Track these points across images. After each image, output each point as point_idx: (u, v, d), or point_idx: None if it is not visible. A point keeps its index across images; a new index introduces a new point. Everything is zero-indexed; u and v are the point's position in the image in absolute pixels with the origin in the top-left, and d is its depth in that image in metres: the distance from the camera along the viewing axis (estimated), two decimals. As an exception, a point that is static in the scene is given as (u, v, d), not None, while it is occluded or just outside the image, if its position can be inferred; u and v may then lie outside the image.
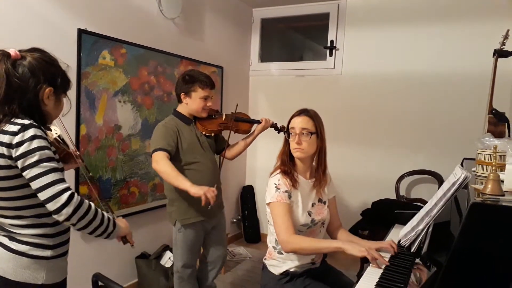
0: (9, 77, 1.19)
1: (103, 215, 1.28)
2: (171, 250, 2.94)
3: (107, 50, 2.58)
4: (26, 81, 1.21)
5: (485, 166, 1.54)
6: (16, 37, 2.09)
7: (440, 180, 3.19)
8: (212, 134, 2.31)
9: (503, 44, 2.32)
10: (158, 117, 3.00)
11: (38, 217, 1.25)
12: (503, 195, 1.17)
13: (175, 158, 2.13)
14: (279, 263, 1.75)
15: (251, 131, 2.46)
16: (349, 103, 3.73)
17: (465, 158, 2.23)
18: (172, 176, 1.99)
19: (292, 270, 1.72)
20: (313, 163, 1.83)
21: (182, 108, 2.25)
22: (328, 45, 3.83)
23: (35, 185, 1.16)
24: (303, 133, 1.72)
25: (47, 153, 1.18)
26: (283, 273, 1.73)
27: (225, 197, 2.45)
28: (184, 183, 1.95)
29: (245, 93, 4.24)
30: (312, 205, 1.77)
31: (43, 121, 1.27)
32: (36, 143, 1.16)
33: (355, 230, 3.13)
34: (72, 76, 2.35)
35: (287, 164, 1.76)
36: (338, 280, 1.81)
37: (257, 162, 4.20)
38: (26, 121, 1.19)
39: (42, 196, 1.16)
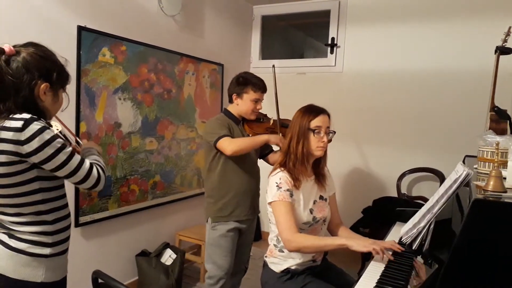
0: (1, 74, 1.18)
1: (100, 157, 1.43)
2: (171, 248, 2.94)
3: (107, 47, 2.57)
4: (20, 78, 1.19)
5: (487, 163, 1.53)
6: (15, 34, 2.08)
7: (441, 178, 3.18)
8: None
9: (505, 41, 2.30)
10: (158, 115, 3.00)
11: (37, 214, 1.25)
12: (505, 192, 1.16)
13: (221, 152, 2.12)
14: (280, 261, 1.74)
15: None
16: (350, 100, 3.72)
17: (466, 156, 2.22)
18: (251, 142, 2.10)
19: (293, 268, 1.72)
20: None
21: (232, 109, 2.28)
22: (329, 42, 3.82)
23: (63, 172, 1.22)
24: (327, 132, 1.74)
25: (60, 140, 1.22)
26: (283, 270, 1.72)
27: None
28: (261, 137, 2.11)
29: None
30: (314, 203, 1.76)
31: (41, 117, 1.25)
32: (47, 134, 1.18)
33: (356, 228, 3.12)
34: (72, 73, 2.33)
35: (302, 163, 1.73)
36: (339, 278, 1.80)
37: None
38: (26, 115, 1.17)
39: (75, 179, 1.25)
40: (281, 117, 2.38)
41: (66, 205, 1.36)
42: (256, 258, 3.58)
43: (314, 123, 1.71)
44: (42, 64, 1.23)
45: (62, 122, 1.43)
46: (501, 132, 2.05)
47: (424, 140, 3.43)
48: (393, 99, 3.54)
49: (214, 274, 2.18)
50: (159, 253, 2.92)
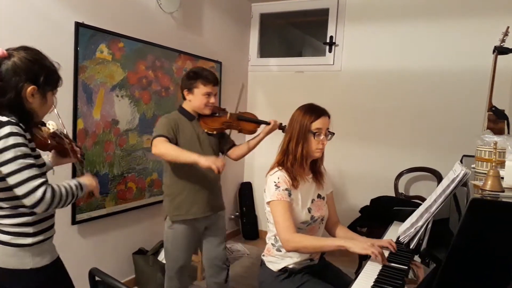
0: None
1: (71, 189, 1.33)
2: (168, 246, 2.93)
3: (105, 44, 2.56)
4: (8, 81, 1.23)
5: (484, 163, 1.53)
6: (13, 30, 2.06)
7: (439, 177, 3.19)
8: (215, 132, 2.25)
9: (503, 41, 2.31)
10: (156, 112, 2.99)
11: (15, 208, 1.29)
12: (503, 191, 1.16)
13: None
14: (277, 260, 1.74)
15: (257, 131, 2.35)
16: (348, 99, 3.72)
17: (464, 155, 2.23)
18: (175, 153, 1.97)
19: (290, 266, 1.71)
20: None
21: (186, 105, 2.23)
22: (328, 41, 3.81)
23: (11, 181, 1.20)
24: (326, 134, 1.72)
25: (23, 149, 1.21)
26: (281, 269, 1.72)
27: (224, 194, 2.41)
28: (190, 156, 1.92)
29: (244, 89, 4.21)
30: (312, 202, 1.76)
31: (27, 118, 1.28)
32: (12, 140, 1.19)
33: (354, 227, 3.12)
34: (69, 70, 2.35)
35: (301, 164, 1.72)
36: (336, 277, 1.80)
37: (255, 158, 4.18)
38: (4, 119, 1.21)
39: (18, 191, 1.20)
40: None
41: None
42: (253, 257, 3.59)
43: (315, 125, 1.69)
44: (30, 68, 1.26)
45: (61, 121, 1.42)
46: (498, 132, 2.06)
47: (421, 139, 3.43)
48: (391, 98, 3.54)
49: (172, 267, 2.25)
50: (156, 251, 2.91)
